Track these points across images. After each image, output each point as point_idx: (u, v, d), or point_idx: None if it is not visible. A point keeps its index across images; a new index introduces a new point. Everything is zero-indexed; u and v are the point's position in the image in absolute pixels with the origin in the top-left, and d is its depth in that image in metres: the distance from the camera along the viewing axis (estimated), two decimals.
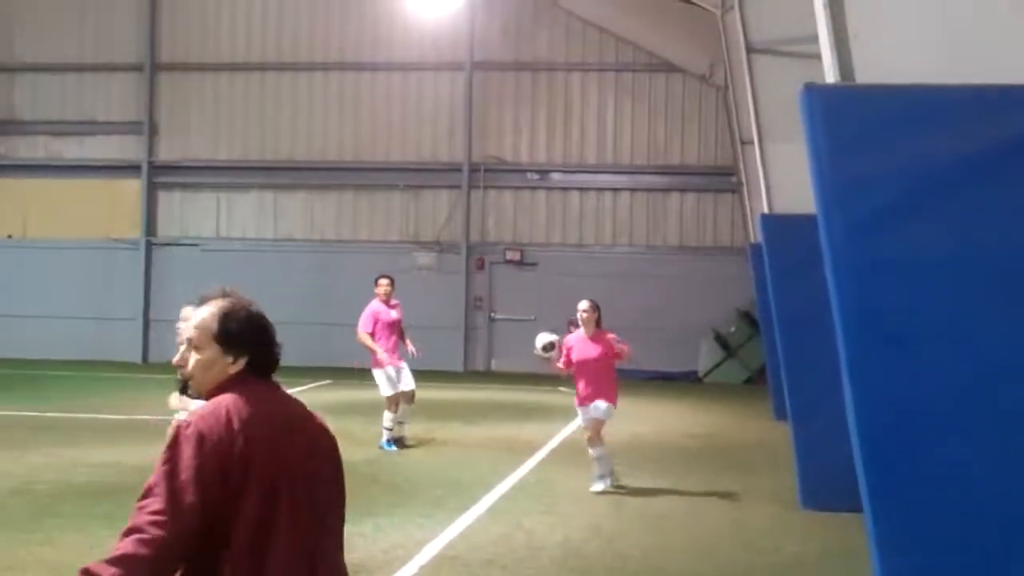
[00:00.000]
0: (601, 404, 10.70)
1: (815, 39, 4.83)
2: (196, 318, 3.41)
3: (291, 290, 23.77)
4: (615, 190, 25.33)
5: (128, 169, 26.37)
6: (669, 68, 24.86)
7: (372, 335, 13.14)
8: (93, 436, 13.88)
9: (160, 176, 26.43)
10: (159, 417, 14.94)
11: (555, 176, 25.52)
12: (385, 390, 13.18)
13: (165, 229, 26.47)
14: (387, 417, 13.24)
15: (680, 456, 13.59)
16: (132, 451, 12.34)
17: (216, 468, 3.16)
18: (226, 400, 3.29)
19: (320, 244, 25.91)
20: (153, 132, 26.37)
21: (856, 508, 4.57)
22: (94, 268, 25.93)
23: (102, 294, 25.98)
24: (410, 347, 13.47)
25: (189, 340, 3.39)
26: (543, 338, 10.81)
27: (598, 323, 10.78)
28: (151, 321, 25.97)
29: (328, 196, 26.11)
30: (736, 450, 14.29)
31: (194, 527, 3.11)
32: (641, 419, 17.06)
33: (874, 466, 4.40)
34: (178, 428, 3.22)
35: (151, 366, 24.26)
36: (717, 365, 24.11)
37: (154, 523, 3.06)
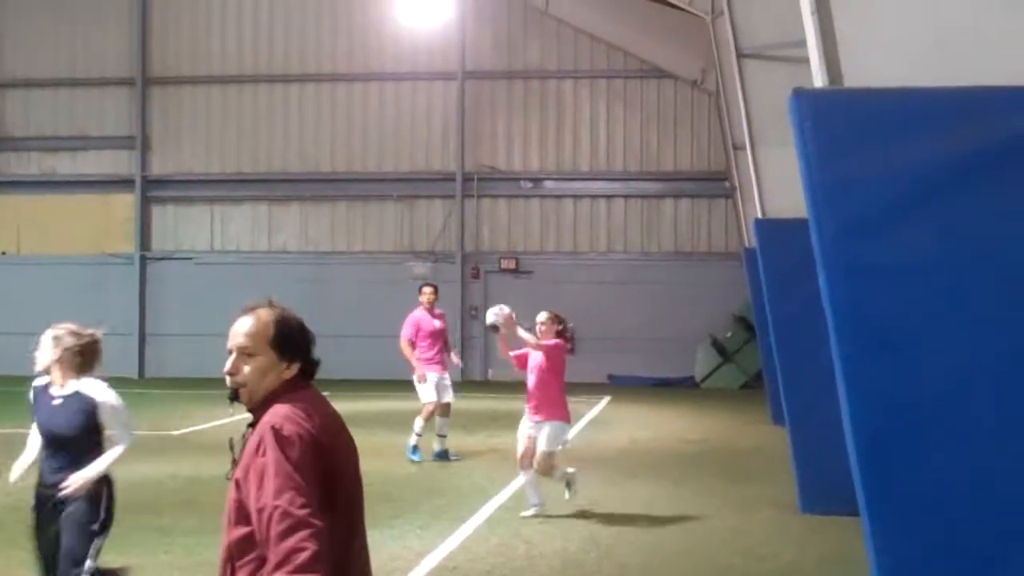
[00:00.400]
0: (546, 427, 10.10)
1: (804, 43, 4.84)
2: (244, 326, 3.48)
3: (286, 302, 23.15)
4: (608, 197, 25.36)
5: (121, 183, 26.36)
6: (660, 74, 24.91)
7: (413, 343, 13.13)
8: None
9: (153, 190, 26.43)
10: (157, 433, 14.93)
11: (548, 184, 25.54)
12: (427, 396, 13.04)
13: (159, 243, 26.46)
14: (418, 424, 13.06)
15: (678, 462, 13.58)
16: (128, 467, 12.22)
17: (317, 463, 3.27)
18: (296, 404, 3.37)
19: (315, 256, 25.89)
20: (146, 146, 26.37)
21: (856, 511, 4.57)
22: (88, 283, 25.82)
23: (97, 309, 25.75)
24: (454, 359, 13.47)
25: (241, 348, 3.45)
26: (490, 316, 10.46)
27: (559, 335, 10.36)
28: (147, 336, 25.99)
29: (322, 207, 26.10)
30: (734, 455, 14.27)
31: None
32: (639, 425, 17.06)
33: (869, 468, 4.40)
34: (275, 429, 3.28)
35: (147, 381, 24.22)
36: (714, 370, 24.11)
37: (311, 515, 3.16)
